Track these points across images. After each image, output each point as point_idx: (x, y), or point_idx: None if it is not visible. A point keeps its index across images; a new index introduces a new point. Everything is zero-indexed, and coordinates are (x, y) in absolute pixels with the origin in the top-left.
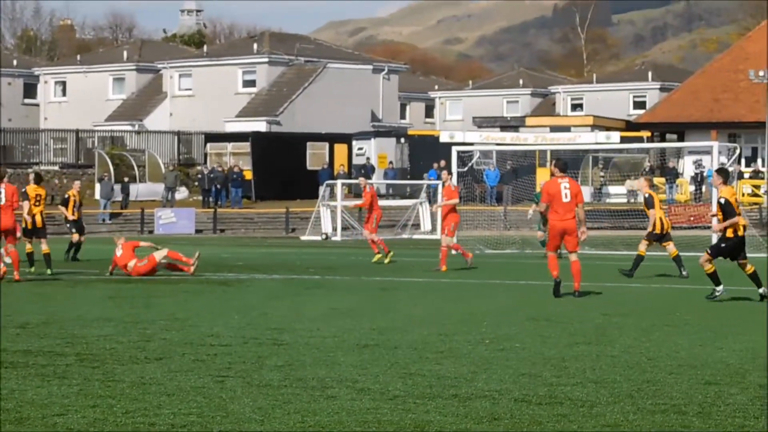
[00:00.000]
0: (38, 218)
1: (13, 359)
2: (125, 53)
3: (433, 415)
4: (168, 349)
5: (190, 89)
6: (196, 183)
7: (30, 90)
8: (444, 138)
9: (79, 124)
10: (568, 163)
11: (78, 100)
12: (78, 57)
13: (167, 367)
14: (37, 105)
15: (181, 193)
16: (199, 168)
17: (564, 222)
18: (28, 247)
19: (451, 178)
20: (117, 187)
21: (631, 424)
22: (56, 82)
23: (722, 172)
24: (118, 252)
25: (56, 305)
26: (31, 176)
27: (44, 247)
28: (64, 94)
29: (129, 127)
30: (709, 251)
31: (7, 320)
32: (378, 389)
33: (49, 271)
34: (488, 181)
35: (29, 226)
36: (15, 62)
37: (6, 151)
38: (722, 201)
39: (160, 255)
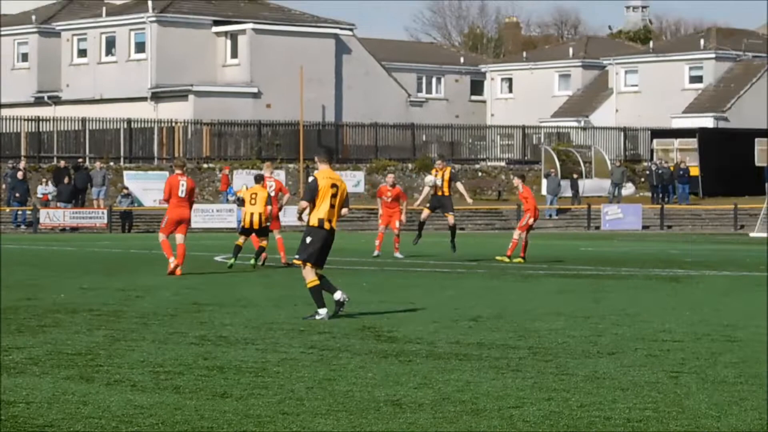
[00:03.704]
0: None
1: (467, 351)
2: (571, 50)
3: None
4: (620, 344)
5: (636, 85)
6: (643, 179)
7: (477, 87)
8: None
9: (526, 121)
10: None
11: (524, 97)
12: (524, 54)
13: (620, 362)
14: (484, 101)
15: (628, 189)
16: (645, 164)
17: None
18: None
19: None
20: (565, 183)
21: None
22: (503, 79)
23: None
24: None
25: (507, 299)
26: None
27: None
28: (510, 90)
29: (575, 123)
30: None
31: (459, 313)
32: None
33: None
34: None
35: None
36: (462, 59)
37: (453, 147)
38: None
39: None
